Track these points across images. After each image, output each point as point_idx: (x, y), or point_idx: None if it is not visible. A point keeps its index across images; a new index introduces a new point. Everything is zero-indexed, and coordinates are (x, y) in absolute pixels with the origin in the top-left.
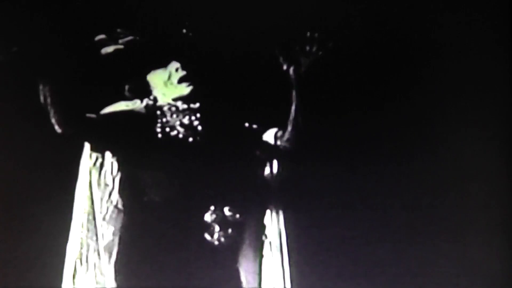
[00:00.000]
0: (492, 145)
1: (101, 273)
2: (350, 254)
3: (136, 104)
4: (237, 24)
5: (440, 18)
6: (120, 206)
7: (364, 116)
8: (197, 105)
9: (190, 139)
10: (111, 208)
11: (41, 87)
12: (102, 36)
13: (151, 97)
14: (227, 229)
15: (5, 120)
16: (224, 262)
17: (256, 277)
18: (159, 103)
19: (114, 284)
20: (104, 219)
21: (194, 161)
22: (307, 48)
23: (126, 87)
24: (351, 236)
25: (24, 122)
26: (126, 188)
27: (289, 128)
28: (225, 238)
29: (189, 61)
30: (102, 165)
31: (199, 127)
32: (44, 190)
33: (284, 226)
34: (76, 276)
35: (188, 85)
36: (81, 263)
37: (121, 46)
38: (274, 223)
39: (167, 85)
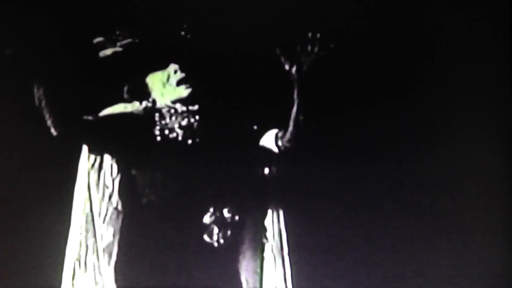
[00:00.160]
0: (493, 145)
1: (100, 274)
2: (350, 254)
3: (135, 106)
4: (237, 25)
5: (441, 18)
6: (119, 208)
7: (365, 116)
8: (196, 107)
9: (189, 141)
10: (110, 209)
11: (35, 90)
12: (100, 39)
13: (150, 99)
14: (227, 230)
15: (2, 122)
16: (224, 263)
17: (257, 277)
18: (158, 105)
19: (114, 285)
20: (104, 220)
21: (193, 163)
22: (309, 48)
23: (125, 89)
24: (351, 236)
25: (22, 124)
26: (125, 190)
27: (291, 128)
28: (224, 239)
29: (188, 63)
30: (101, 167)
31: (198, 129)
32: (43, 192)
33: (284, 227)
34: (75, 277)
35: (187, 87)
36: (80, 264)
37: (119, 49)
38: (274, 224)
39: (165, 87)
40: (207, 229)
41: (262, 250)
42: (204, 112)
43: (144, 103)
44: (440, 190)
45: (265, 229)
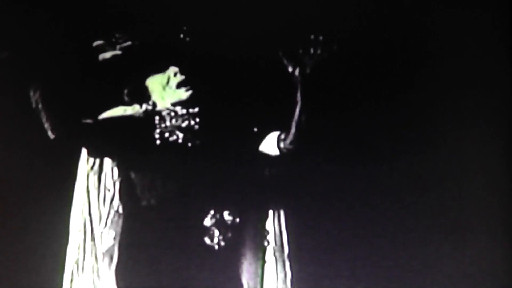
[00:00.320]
0: (493, 145)
1: (99, 277)
2: (351, 255)
3: (135, 109)
4: (238, 27)
5: (442, 19)
6: (120, 210)
7: (367, 117)
8: (196, 109)
9: (189, 144)
10: (111, 212)
11: (31, 93)
12: (100, 42)
13: (150, 102)
14: (227, 233)
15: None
16: (224, 266)
17: (258, 280)
18: (158, 108)
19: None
20: (105, 224)
21: (194, 166)
22: (312, 50)
23: (125, 92)
24: (352, 237)
25: (20, 127)
26: (126, 193)
27: (293, 131)
28: (225, 242)
29: (188, 66)
30: (101, 170)
31: (198, 132)
32: (41, 195)
33: (285, 229)
34: (74, 280)
35: (187, 90)
36: (78, 268)
37: (119, 52)
38: (275, 226)
39: (165, 90)
40: (208, 231)
41: (263, 252)
42: (204, 115)
43: (144, 106)
44: (441, 190)
45: (266, 231)
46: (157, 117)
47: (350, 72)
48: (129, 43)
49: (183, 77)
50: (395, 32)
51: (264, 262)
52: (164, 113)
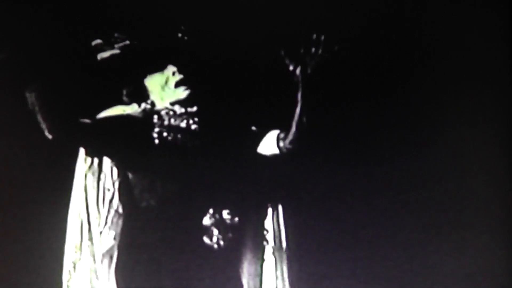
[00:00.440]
0: (493, 145)
1: (97, 278)
2: (350, 254)
3: (134, 109)
4: (238, 26)
5: (443, 19)
6: (120, 210)
7: (368, 117)
8: (195, 108)
9: (188, 143)
10: (111, 212)
11: (28, 93)
12: (98, 41)
13: (149, 101)
14: (226, 232)
15: None
16: (224, 265)
17: (257, 279)
18: (157, 107)
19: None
20: (105, 223)
21: (193, 165)
22: (313, 50)
23: (124, 91)
24: (352, 236)
25: (17, 128)
26: (125, 193)
27: (293, 129)
28: (224, 241)
29: (187, 65)
30: (100, 169)
31: (197, 131)
32: (39, 196)
33: (284, 229)
34: (71, 280)
35: (185, 89)
36: (76, 268)
37: (117, 51)
38: (274, 225)
39: (164, 89)
40: (207, 231)
41: (263, 252)
42: (203, 114)
43: (143, 105)
44: (441, 190)
45: (265, 231)
46: (155, 117)
47: (351, 72)
48: (127, 42)
49: (181, 76)
50: (396, 32)
51: (263, 261)
52: (162, 112)
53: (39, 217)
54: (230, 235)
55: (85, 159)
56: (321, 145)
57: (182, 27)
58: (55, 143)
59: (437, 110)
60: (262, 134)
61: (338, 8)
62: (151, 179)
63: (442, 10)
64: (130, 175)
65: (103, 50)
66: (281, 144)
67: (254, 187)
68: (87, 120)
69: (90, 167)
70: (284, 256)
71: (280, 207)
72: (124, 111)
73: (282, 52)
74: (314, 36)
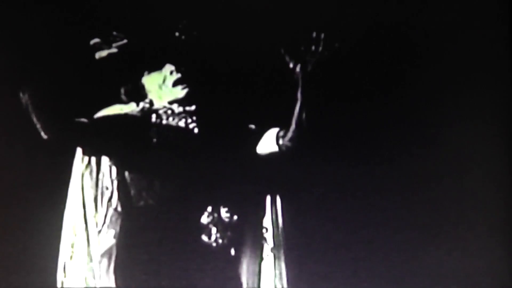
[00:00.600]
0: (494, 144)
1: (93, 277)
2: (349, 253)
3: (132, 108)
4: (237, 24)
5: (444, 18)
6: (118, 209)
7: (367, 115)
8: (193, 107)
9: (186, 142)
10: (109, 212)
11: (21, 93)
12: (96, 40)
13: (147, 101)
14: (225, 231)
15: None
16: (222, 264)
17: (256, 278)
18: (155, 106)
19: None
20: (103, 223)
21: (191, 164)
22: (313, 48)
23: (122, 90)
24: (351, 235)
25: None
26: (123, 192)
27: (293, 127)
28: (223, 240)
29: (185, 64)
30: (98, 169)
31: (195, 130)
32: (37, 196)
33: (283, 226)
34: (66, 279)
35: (183, 88)
36: (71, 267)
37: (115, 50)
38: (273, 224)
39: (162, 88)
40: (206, 229)
41: (261, 250)
42: (201, 113)
43: (141, 105)
44: (442, 190)
45: (264, 229)
46: (153, 116)
47: (351, 70)
48: (125, 41)
49: (179, 75)
50: (396, 30)
51: (262, 260)
52: (161, 111)
53: (35, 216)
54: (229, 233)
55: (82, 159)
56: (321, 143)
57: (180, 26)
58: (52, 143)
59: (438, 108)
60: (261, 132)
61: (338, 5)
62: (149, 178)
63: (443, 9)
64: (128, 174)
65: (101, 49)
66: (281, 142)
67: (252, 186)
68: (84, 120)
69: (87, 166)
70: (283, 255)
71: (279, 205)
72: (121, 110)
73: (282, 50)
74: (314, 34)
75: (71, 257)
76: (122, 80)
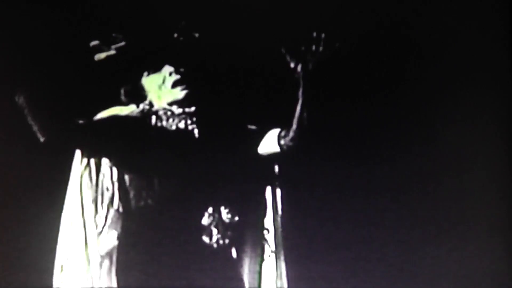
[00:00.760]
0: (494, 145)
1: (91, 278)
2: (349, 254)
3: (132, 109)
4: (238, 23)
5: (444, 18)
6: (118, 211)
7: (368, 115)
8: (193, 109)
9: (187, 143)
10: (110, 213)
11: (17, 96)
12: (95, 42)
13: (147, 102)
14: (226, 231)
15: None
16: (223, 264)
17: (256, 278)
18: (155, 107)
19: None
20: (104, 224)
21: (192, 165)
22: (314, 47)
23: (122, 92)
24: (351, 236)
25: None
26: (123, 193)
27: (294, 127)
28: (224, 240)
29: (185, 65)
30: (98, 170)
31: (195, 131)
32: (35, 199)
33: (284, 227)
34: (64, 280)
35: (183, 89)
36: (69, 268)
37: (113, 52)
38: (273, 224)
39: (161, 90)
40: (206, 230)
41: (262, 251)
42: (201, 114)
43: (141, 106)
44: (442, 190)
45: (265, 230)
46: (153, 117)
47: (352, 69)
48: (123, 43)
49: (178, 76)
50: (396, 30)
51: (262, 260)
52: (160, 112)
53: (34, 218)
54: (229, 234)
55: (81, 160)
56: (322, 142)
57: (179, 27)
58: (50, 145)
59: (438, 108)
60: (262, 132)
61: (338, 5)
62: (149, 179)
63: (443, 8)
64: (128, 175)
65: (100, 51)
66: (282, 142)
67: (253, 186)
68: (83, 122)
69: (85, 168)
70: (284, 255)
71: (279, 206)
72: (121, 111)
73: (283, 50)
74: (315, 33)
75: (68, 258)
76: (122, 82)
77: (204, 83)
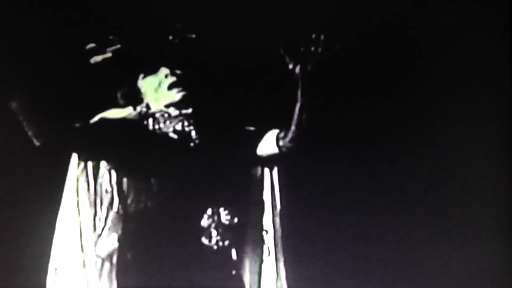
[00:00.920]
0: (494, 145)
1: (86, 279)
2: (349, 254)
3: (129, 111)
4: (236, 25)
5: (444, 19)
6: (116, 213)
7: (368, 116)
8: (190, 110)
9: (185, 145)
10: (109, 215)
11: (11, 102)
12: (92, 45)
13: (144, 104)
14: (225, 233)
15: None
16: (223, 265)
17: (256, 278)
18: (152, 110)
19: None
20: (103, 226)
21: (190, 167)
22: (313, 49)
23: (119, 94)
24: (351, 236)
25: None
26: (122, 195)
27: (293, 128)
28: (223, 242)
29: (180, 67)
30: (96, 173)
31: (193, 133)
32: (32, 201)
33: (283, 228)
34: (58, 280)
35: (179, 91)
36: (63, 270)
37: (109, 55)
38: (273, 225)
39: (158, 92)
40: (206, 232)
41: (261, 252)
42: (199, 116)
43: (139, 108)
44: (442, 190)
45: (264, 231)
46: (151, 119)
47: (351, 70)
48: (118, 46)
49: (174, 78)
50: (395, 31)
51: (262, 261)
52: (157, 115)
53: (29, 221)
54: (229, 235)
55: (78, 164)
56: (321, 143)
57: (174, 29)
58: (46, 149)
59: (438, 109)
60: (261, 134)
61: (337, 6)
62: (148, 182)
63: (442, 9)
64: (127, 178)
65: (96, 54)
66: (281, 143)
67: (252, 187)
68: (80, 124)
69: (82, 171)
70: (283, 256)
71: (278, 207)
72: (118, 114)
73: (282, 51)
74: (314, 35)
75: (62, 261)
76: (118, 84)
77: (201, 84)
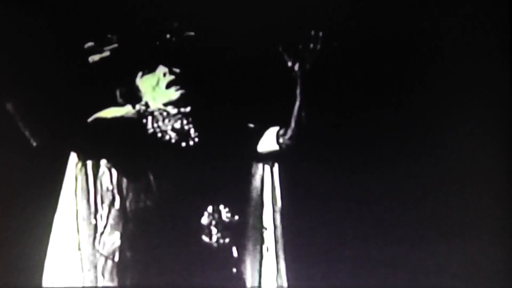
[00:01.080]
0: (494, 147)
1: (83, 278)
2: (348, 253)
3: (128, 110)
4: (234, 22)
5: (443, 19)
6: (118, 212)
7: (367, 114)
8: (188, 109)
9: (183, 144)
10: (112, 214)
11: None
12: (90, 44)
13: (143, 103)
14: (226, 230)
15: None
16: (223, 263)
17: (256, 276)
18: (151, 108)
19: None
20: (105, 225)
21: (190, 165)
22: (311, 46)
23: (117, 93)
24: (350, 235)
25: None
26: (122, 194)
27: (292, 126)
28: (224, 239)
29: (178, 65)
30: (96, 172)
31: (192, 131)
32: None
33: (283, 226)
34: (54, 278)
35: (177, 89)
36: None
37: (107, 53)
38: (273, 222)
39: (156, 90)
40: (206, 230)
41: (261, 249)
42: (198, 114)
43: (137, 107)
44: (442, 191)
45: (263, 228)
46: (149, 118)
47: (350, 68)
48: (115, 45)
49: (172, 77)
50: (396, 30)
51: (262, 258)
52: (156, 113)
53: (28, 220)
54: (229, 233)
55: (77, 162)
56: (321, 140)
57: (172, 26)
58: (44, 149)
59: (437, 107)
60: (261, 131)
61: (336, 4)
62: (147, 180)
63: (442, 9)
64: (126, 176)
65: (94, 53)
66: (281, 140)
67: (252, 185)
68: (78, 123)
69: (81, 170)
70: (283, 254)
71: (278, 204)
72: (117, 112)
73: (280, 48)
74: (313, 32)
75: (60, 259)
76: (116, 83)
77: (199, 82)
